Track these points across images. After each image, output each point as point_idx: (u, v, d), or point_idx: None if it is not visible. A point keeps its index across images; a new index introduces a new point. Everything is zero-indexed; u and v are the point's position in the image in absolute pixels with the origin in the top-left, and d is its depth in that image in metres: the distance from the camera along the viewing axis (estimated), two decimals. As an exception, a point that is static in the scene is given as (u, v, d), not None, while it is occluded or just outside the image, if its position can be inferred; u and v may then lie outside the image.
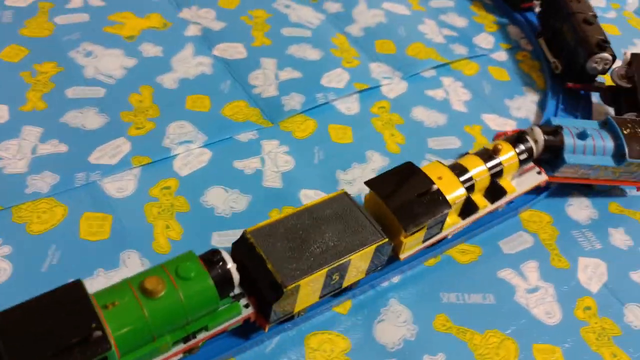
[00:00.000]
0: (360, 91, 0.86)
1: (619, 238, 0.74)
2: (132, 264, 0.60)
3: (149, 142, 0.72)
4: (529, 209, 0.75)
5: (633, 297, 0.67)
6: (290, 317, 0.55)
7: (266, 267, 0.50)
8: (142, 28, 0.90)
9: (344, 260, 0.52)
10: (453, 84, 0.92)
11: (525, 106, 0.91)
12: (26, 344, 0.39)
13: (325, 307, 0.59)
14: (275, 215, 0.66)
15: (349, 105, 0.84)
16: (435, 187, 0.59)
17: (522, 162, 0.69)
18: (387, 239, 0.55)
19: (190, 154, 0.72)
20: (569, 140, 0.71)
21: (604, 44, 0.87)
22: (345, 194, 0.58)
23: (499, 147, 0.67)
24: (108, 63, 0.82)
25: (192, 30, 0.91)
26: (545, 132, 0.71)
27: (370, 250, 0.54)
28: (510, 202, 0.71)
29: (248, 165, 0.73)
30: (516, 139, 0.70)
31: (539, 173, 0.72)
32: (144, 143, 0.72)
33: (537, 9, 1.07)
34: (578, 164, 0.71)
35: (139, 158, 0.70)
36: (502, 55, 1.02)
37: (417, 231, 0.58)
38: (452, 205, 0.60)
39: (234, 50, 0.89)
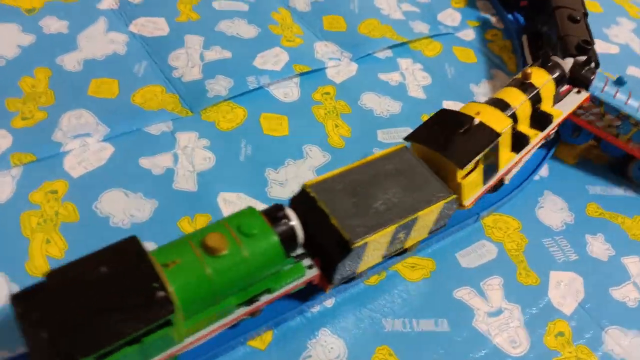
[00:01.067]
0: (301, 74, 0.74)
1: (598, 247, 0.63)
2: (-6, 291, 0.48)
3: (36, 136, 0.60)
4: (493, 212, 0.64)
5: (614, 318, 0.57)
6: (352, 278, 0.51)
7: (330, 223, 0.45)
8: (47, 0, 0.76)
9: (412, 217, 0.48)
10: (411, 66, 0.81)
11: (493, 92, 0.80)
12: (86, 306, 0.36)
13: (238, 340, 0.48)
14: (185, 225, 0.55)
15: (287, 91, 0.72)
16: (477, 120, 0.54)
17: (557, 83, 0.64)
18: (454, 195, 0.50)
19: (86, 149, 0.60)
20: (599, 81, 0.67)
21: (585, 46, 0.71)
22: (406, 147, 0.53)
23: (528, 71, 0.62)
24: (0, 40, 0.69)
25: (106, 3, 0.78)
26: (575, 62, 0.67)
27: (437, 207, 0.50)
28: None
29: (157, 163, 0.60)
30: (543, 60, 0.65)
31: (578, 92, 0.67)
32: (30, 137, 0.60)
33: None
34: (606, 101, 0.66)
35: (20, 155, 0.58)
36: (469, 34, 0.90)
37: (472, 170, 0.53)
38: (500, 134, 0.55)
39: (154, 26, 0.76)
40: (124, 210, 0.56)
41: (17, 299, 0.37)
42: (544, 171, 0.70)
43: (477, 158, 0.52)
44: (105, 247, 0.39)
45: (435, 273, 0.57)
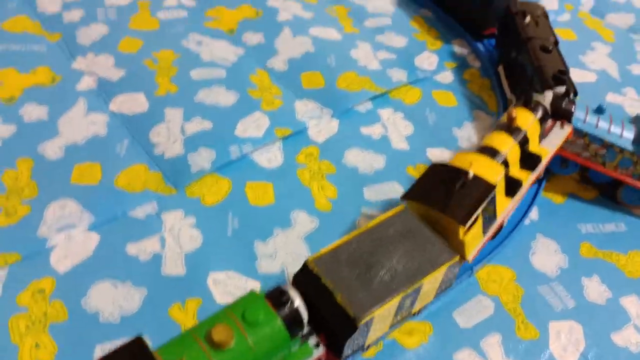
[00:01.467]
0: (283, 138, 0.74)
1: (595, 290, 0.62)
2: (-13, 405, 0.47)
3: (20, 233, 0.60)
4: (486, 264, 0.63)
5: (618, 366, 0.56)
6: (363, 348, 0.50)
7: (335, 300, 0.45)
8: (26, 86, 0.77)
9: (417, 285, 0.48)
10: (392, 116, 0.81)
11: (476, 134, 0.80)
12: None
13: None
14: (177, 312, 0.54)
15: (270, 156, 0.72)
16: (471, 173, 0.55)
17: (541, 121, 0.65)
18: (457, 257, 0.51)
19: (71, 241, 0.59)
20: (580, 111, 0.68)
21: (561, 76, 0.72)
22: (406, 208, 0.54)
23: (513, 114, 0.63)
24: (-21, 134, 0.69)
25: (85, 83, 0.79)
26: (555, 96, 0.69)
27: (441, 271, 0.50)
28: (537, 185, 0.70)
29: (144, 248, 0.60)
30: (525, 101, 0.67)
31: (561, 127, 0.68)
32: (14, 235, 0.59)
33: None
34: (589, 132, 0.67)
35: (5, 256, 0.57)
36: (447, 76, 0.91)
37: (473, 223, 0.53)
38: (495, 185, 0.55)
39: (134, 103, 0.76)
40: (113, 303, 0.55)
41: None
42: (534, 214, 0.70)
43: (478, 213, 0.53)
44: (112, 351, 0.39)
45: (433, 337, 0.56)
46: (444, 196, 0.53)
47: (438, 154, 0.76)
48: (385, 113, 0.81)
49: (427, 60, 0.93)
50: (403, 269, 0.48)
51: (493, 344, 0.56)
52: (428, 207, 0.53)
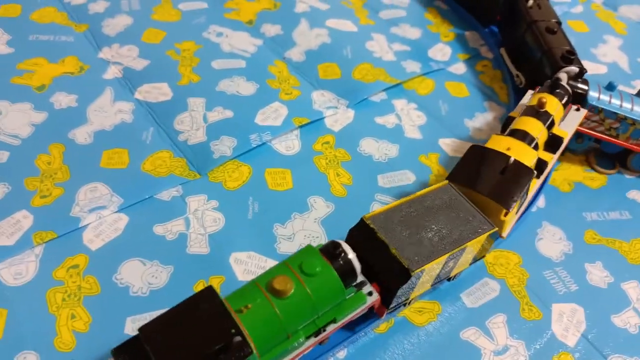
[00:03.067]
0: (301, 126, 0.77)
1: (597, 275, 0.65)
2: (28, 370, 0.51)
3: (55, 213, 0.63)
4: (494, 249, 0.66)
5: (616, 346, 0.59)
6: (404, 304, 0.55)
7: (390, 252, 0.50)
8: (55, 75, 0.80)
9: (461, 247, 0.53)
10: (406, 106, 0.84)
11: (487, 125, 0.83)
12: (173, 353, 0.41)
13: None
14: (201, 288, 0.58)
15: (289, 144, 0.75)
16: (512, 159, 0.60)
17: (564, 105, 0.71)
18: (496, 228, 0.55)
19: (102, 222, 0.63)
20: (593, 88, 0.74)
21: (569, 56, 0.78)
22: (449, 184, 0.58)
23: (544, 100, 0.67)
24: (13, 120, 0.73)
25: (112, 72, 0.82)
26: (569, 77, 0.75)
27: (482, 239, 0.54)
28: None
29: (170, 229, 0.64)
30: (551, 86, 0.72)
31: (577, 110, 0.73)
32: (49, 214, 0.63)
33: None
34: (604, 108, 0.73)
35: (42, 234, 0.61)
36: (460, 68, 0.93)
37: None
38: (534, 171, 0.61)
39: (158, 92, 0.80)
40: (142, 278, 0.59)
41: (117, 352, 0.43)
42: (541, 202, 0.73)
43: (519, 197, 0.58)
44: (186, 300, 0.44)
45: (442, 315, 0.60)
46: (488, 180, 0.59)
47: (450, 144, 0.79)
48: (399, 103, 0.84)
49: (441, 52, 0.95)
50: (448, 233, 0.53)
51: (498, 324, 0.59)
52: (473, 190, 0.58)
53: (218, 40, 0.90)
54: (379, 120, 0.81)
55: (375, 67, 0.89)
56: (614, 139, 0.75)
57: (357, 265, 0.49)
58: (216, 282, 0.59)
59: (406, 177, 0.73)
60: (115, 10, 0.94)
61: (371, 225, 0.52)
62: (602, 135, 0.75)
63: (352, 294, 0.50)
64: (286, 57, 0.89)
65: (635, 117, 0.73)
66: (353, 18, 1.00)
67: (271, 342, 0.45)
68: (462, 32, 1.01)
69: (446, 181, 0.59)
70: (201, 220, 0.65)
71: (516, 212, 0.62)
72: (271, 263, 0.62)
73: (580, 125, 0.74)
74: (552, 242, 0.68)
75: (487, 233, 0.54)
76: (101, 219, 0.63)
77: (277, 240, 0.64)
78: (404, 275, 0.49)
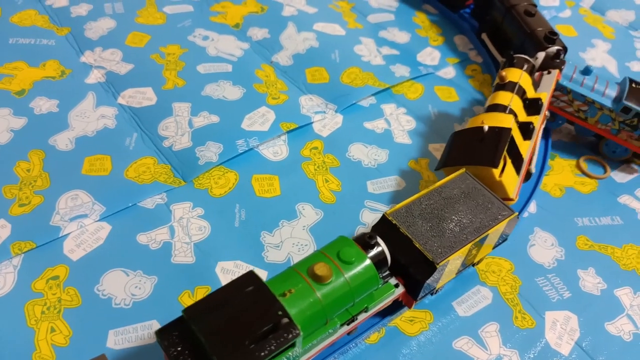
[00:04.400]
0: (289, 131, 0.76)
1: (590, 281, 0.64)
2: (5, 386, 0.49)
3: (34, 222, 0.61)
4: (486, 256, 0.65)
5: (611, 355, 0.58)
6: (431, 293, 0.56)
7: (414, 246, 0.52)
8: (36, 79, 0.78)
9: (484, 235, 0.54)
10: (395, 111, 0.83)
11: (476, 129, 0.82)
12: (223, 334, 0.41)
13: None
14: (186, 299, 0.56)
15: (276, 150, 0.74)
16: (486, 127, 0.64)
17: (530, 73, 0.75)
18: (516, 213, 0.56)
19: (84, 231, 0.61)
20: (568, 70, 0.76)
21: (552, 36, 0.80)
22: (467, 173, 0.60)
23: (503, 73, 0.73)
24: (-8, 126, 0.71)
25: (94, 77, 0.80)
26: (547, 55, 0.78)
27: (502, 225, 0.55)
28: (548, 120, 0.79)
29: (154, 238, 0.62)
30: (509, 61, 0.76)
31: (548, 73, 0.76)
32: (28, 224, 0.61)
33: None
34: (572, 89, 0.75)
35: (20, 244, 0.59)
36: (449, 72, 0.92)
37: (504, 166, 0.61)
38: (510, 127, 0.64)
39: (142, 97, 0.78)
40: (125, 289, 0.57)
41: (161, 334, 0.43)
42: (532, 207, 0.72)
43: (503, 154, 0.61)
44: (229, 283, 0.45)
45: (434, 324, 0.58)
46: (471, 153, 0.63)
47: (440, 149, 0.78)
48: (388, 108, 0.83)
49: (430, 56, 0.94)
50: (470, 222, 0.54)
51: (491, 333, 0.58)
52: (461, 167, 0.60)
53: (204, 44, 0.88)
54: (368, 125, 0.80)
55: (363, 71, 0.87)
56: (583, 122, 0.77)
57: (389, 257, 0.51)
58: (202, 293, 0.58)
59: (397, 183, 0.72)
60: (99, 14, 0.92)
61: (393, 221, 0.53)
62: (571, 117, 0.77)
63: (381, 285, 0.52)
64: (273, 61, 0.87)
65: (602, 102, 0.74)
66: (341, 22, 0.99)
67: (312, 327, 0.46)
68: (451, 36, 1.01)
69: (463, 169, 0.60)
70: (186, 228, 0.63)
71: (517, 174, 0.64)
72: (259, 272, 0.60)
73: (551, 104, 0.77)
74: (544, 248, 0.67)
75: (507, 219, 0.55)
76: (82, 227, 0.61)
77: (264, 249, 0.62)
78: (430, 267, 0.51)
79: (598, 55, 1.01)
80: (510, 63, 0.76)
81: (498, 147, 0.62)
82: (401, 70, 0.90)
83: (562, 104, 0.77)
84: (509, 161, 0.64)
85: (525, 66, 0.75)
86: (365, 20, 1.01)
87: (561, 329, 0.59)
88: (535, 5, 0.88)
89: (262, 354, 0.40)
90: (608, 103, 0.74)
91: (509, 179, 0.63)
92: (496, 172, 0.61)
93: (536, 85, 0.76)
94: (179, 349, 0.42)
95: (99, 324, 0.54)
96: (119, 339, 0.53)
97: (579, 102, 0.76)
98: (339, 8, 1.03)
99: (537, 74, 0.77)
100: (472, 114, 0.85)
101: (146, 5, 0.96)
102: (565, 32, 1.06)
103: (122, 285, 0.57)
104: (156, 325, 0.55)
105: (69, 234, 0.61)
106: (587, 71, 0.76)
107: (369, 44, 0.94)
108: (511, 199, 0.63)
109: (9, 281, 0.56)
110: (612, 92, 0.75)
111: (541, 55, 0.78)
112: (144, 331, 0.54)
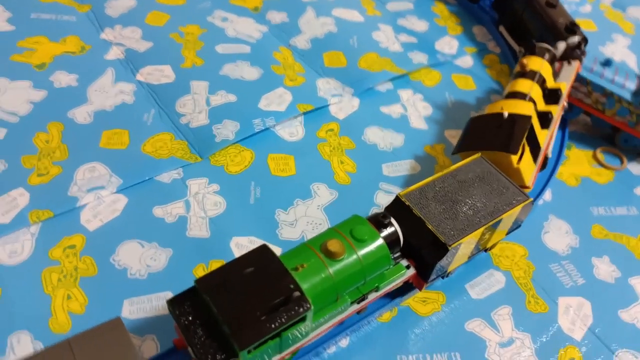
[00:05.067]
0: (305, 113, 0.76)
1: (604, 269, 0.64)
2: (21, 350, 0.50)
3: (52, 192, 0.62)
4: (500, 241, 0.65)
5: (624, 341, 0.58)
6: (442, 276, 0.56)
7: (426, 227, 0.51)
8: (56, 54, 0.79)
9: (497, 219, 0.53)
10: (412, 97, 0.82)
11: (493, 118, 0.81)
12: (235, 305, 0.41)
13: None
14: (200, 272, 0.57)
15: (292, 130, 0.74)
16: (506, 113, 0.64)
17: (550, 62, 0.74)
18: (531, 199, 0.55)
19: (101, 202, 0.62)
20: (589, 61, 0.76)
21: (572, 27, 0.80)
22: (482, 157, 0.59)
23: (524, 61, 0.72)
24: (12, 98, 0.71)
25: (113, 53, 0.81)
26: (567, 46, 0.78)
27: (517, 210, 0.55)
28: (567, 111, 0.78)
29: (170, 211, 0.62)
30: (531, 50, 0.76)
31: (569, 63, 0.76)
32: (46, 193, 0.62)
33: None
34: (592, 80, 0.74)
35: (38, 212, 0.60)
36: (467, 61, 0.92)
37: (522, 154, 0.61)
38: (530, 115, 0.64)
39: (161, 74, 0.78)
40: (140, 261, 0.57)
41: (173, 303, 0.43)
42: (547, 195, 0.71)
43: (522, 141, 0.61)
44: (242, 255, 0.45)
45: (446, 306, 0.58)
46: (489, 138, 0.62)
47: (456, 136, 0.77)
48: (405, 94, 0.83)
49: (448, 45, 0.94)
50: (483, 206, 0.54)
51: (503, 316, 0.58)
52: (479, 152, 0.60)
53: (223, 25, 0.89)
54: (385, 109, 0.80)
55: (381, 57, 0.87)
56: (600, 114, 0.77)
57: (401, 237, 0.51)
58: (216, 266, 0.58)
59: (412, 167, 0.72)
60: (119, -8, 0.93)
61: (406, 203, 0.53)
62: (589, 108, 0.77)
63: (392, 265, 0.51)
64: (291, 45, 0.87)
65: (622, 95, 0.74)
66: (360, 8, 0.99)
67: (323, 302, 0.46)
68: (470, 26, 1.00)
69: (478, 154, 0.59)
70: (202, 203, 0.63)
71: (534, 162, 0.64)
72: (272, 249, 0.60)
73: (570, 95, 0.77)
74: (558, 235, 0.67)
75: (521, 205, 0.55)
76: (99, 199, 0.62)
77: (279, 226, 0.63)
78: (441, 249, 0.50)
79: (617, 50, 1.00)
80: (532, 51, 0.75)
81: (518, 134, 0.62)
82: (419, 57, 0.89)
83: (580, 95, 0.77)
84: (527, 149, 0.63)
85: (547, 55, 0.75)
86: (384, 8, 1.01)
87: (574, 315, 0.59)
88: None
89: (273, 325, 0.41)
90: (627, 95, 0.74)
91: (527, 166, 0.63)
92: (514, 158, 0.61)
93: (556, 75, 0.76)
94: (190, 318, 0.43)
95: (114, 293, 0.55)
96: (133, 309, 0.54)
97: (597, 94, 0.76)
98: (358, -5, 1.03)
99: (557, 63, 0.77)
100: (489, 102, 0.84)
101: (166, -14, 0.96)
102: (585, 26, 1.05)
103: (137, 257, 0.58)
104: (170, 296, 0.54)
105: (86, 204, 0.61)
106: (607, 63, 0.76)
107: (387, 31, 0.94)
108: (527, 187, 0.62)
109: (27, 248, 0.57)
110: (632, 85, 0.75)
111: (562, 45, 0.78)
112: (159, 302, 0.55)
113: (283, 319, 0.41)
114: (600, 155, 0.78)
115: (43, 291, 0.54)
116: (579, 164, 0.77)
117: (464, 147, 0.65)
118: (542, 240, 0.66)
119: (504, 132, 0.63)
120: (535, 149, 0.65)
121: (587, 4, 1.13)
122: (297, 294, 0.42)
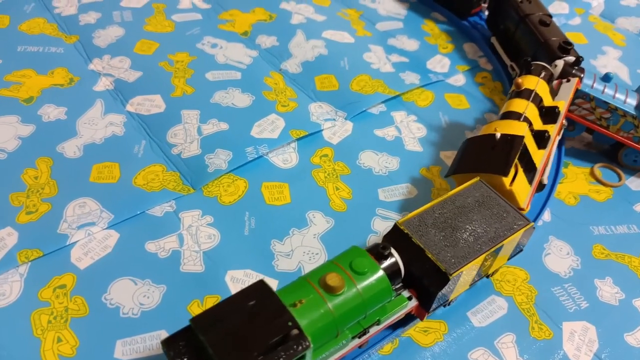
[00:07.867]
0: (298, 139, 0.75)
1: (608, 291, 0.63)
2: (10, 398, 0.48)
3: (42, 230, 0.60)
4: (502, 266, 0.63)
5: (631, 366, 0.56)
6: (444, 305, 0.55)
7: (426, 256, 0.50)
8: (44, 87, 0.78)
9: (498, 245, 0.52)
10: (405, 119, 0.82)
11: (488, 137, 0.80)
12: (230, 344, 0.40)
13: None
14: (195, 308, 0.55)
15: (286, 157, 0.73)
16: (498, 134, 0.63)
17: (547, 81, 0.73)
18: (532, 223, 0.55)
19: (91, 239, 0.60)
20: (588, 78, 0.74)
21: (566, 46, 0.80)
22: (481, 181, 0.58)
23: (519, 80, 0.72)
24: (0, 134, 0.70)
25: (102, 84, 0.80)
26: (565, 64, 0.76)
27: (518, 235, 0.54)
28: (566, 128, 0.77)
29: (163, 246, 0.61)
30: (526, 68, 0.75)
31: (567, 81, 0.75)
32: (35, 231, 0.60)
33: (487, 13, 0.99)
34: (596, 96, 0.73)
35: (27, 252, 0.58)
36: (459, 79, 0.92)
37: (515, 175, 0.60)
38: (525, 134, 0.63)
39: (151, 104, 0.77)
40: (132, 299, 0.56)
41: (167, 343, 0.42)
42: (546, 215, 0.70)
43: (514, 162, 0.60)
44: (238, 292, 0.43)
45: (448, 335, 0.57)
46: (481, 160, 0.61)
47: (451, 157, 0.77)
48: (399, 115, 0.82)
49: (439, 63, 0.94)
50: (484, 232, 0.53)
51: (507, 344, 0.57)
52: (471, 174, 0.59)
53: (213, 52, 0.88)
54: (379, 132, 0.79)
55: (373, 78, 0.87)
56: (604, 130, 0.75)
57: (402, 268, 0.50)
58: (211, 302, 0.56)
59: (408, 191, 0.71)
60: (107, 22, 0.92)
61: (405, 231, 0.52)
62: (593, 125, 0.76)
63: (394, 297, 0.50)
64: (282, 69, 0.87)
65: (626, 109, 0.73)
66: (350, 29, 0.98)
67: (323, 339, 0.45)
68: (461, 44, 1.00)
69: (477, 178, 0.59)
70: (195, 236, 0.62)
71: (530, 183, 0.63)
72: (269, 281, 0.59)
73: (572, 111, 0.75)
74: (559, 257, 0.66)
75: (523, 229, 0.54)
76: (90, 235, 0.61)
77: (275, 258, 0.61)
78: (443, 278, 0.49)
79: (609, 63, 1.00)
80: (527, 70, 0.75)
81: (509, 155, 0.61)
82: (411, 78, 0.89)
83: (583, 111, 0.75)
84: (520, 170, 0.62)
85: (543, 73, 0.74)
86: (374, 28, 1.01)
87: (579, 340, 0.58)
88: (550, 16, 0.87)
89: None
90: (632, 110, 0.73)
91: (520, 188, 0.61)
92: (506, 180, 0.59)
93: (554, 93, 0.75)
94: (185, 359, 0.41)
95: (106, 333, 0.53)
96: (126, 350, 0.52)
97: (601, 110, 0.74)
98: (347, 16, 1.02)
99: (555, 81, 0.76)
100: (483, 121, 0.84)
101: (154, 13, 0.95)
102: (575, 39, 1.05)
103: (130, 295, 0.56)
104: (165, 335, 0.53)
105: (76, 242, 0.60)
106: (607, 78, 0.76)
107: (378, 52, 0.94)
108: (522, 209, 0.61)
109: (15, 290, 0.55)
110: (633, 101, 0.74)
111: (560, 63, 0.77)
112: (152, 341, 0.53)
113: (281, 359, 0.40)
114: (597, 172, 0.77)
115: (32, 334, 0.52)
116: (577, 181, 0.76)
117: (457, 169, 0.64)
118: (544, 262, 0.65)
119: (495, 153, 0.62)
120: (530, 169, 0.64)
121: (577, 16, 1.13)
122: (295, 331, 0.41)
